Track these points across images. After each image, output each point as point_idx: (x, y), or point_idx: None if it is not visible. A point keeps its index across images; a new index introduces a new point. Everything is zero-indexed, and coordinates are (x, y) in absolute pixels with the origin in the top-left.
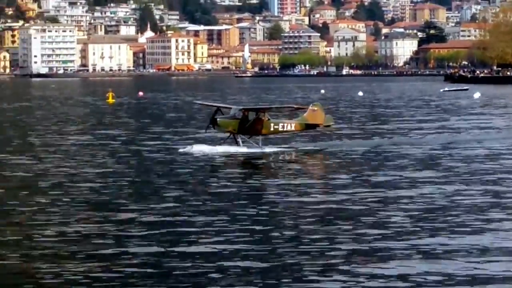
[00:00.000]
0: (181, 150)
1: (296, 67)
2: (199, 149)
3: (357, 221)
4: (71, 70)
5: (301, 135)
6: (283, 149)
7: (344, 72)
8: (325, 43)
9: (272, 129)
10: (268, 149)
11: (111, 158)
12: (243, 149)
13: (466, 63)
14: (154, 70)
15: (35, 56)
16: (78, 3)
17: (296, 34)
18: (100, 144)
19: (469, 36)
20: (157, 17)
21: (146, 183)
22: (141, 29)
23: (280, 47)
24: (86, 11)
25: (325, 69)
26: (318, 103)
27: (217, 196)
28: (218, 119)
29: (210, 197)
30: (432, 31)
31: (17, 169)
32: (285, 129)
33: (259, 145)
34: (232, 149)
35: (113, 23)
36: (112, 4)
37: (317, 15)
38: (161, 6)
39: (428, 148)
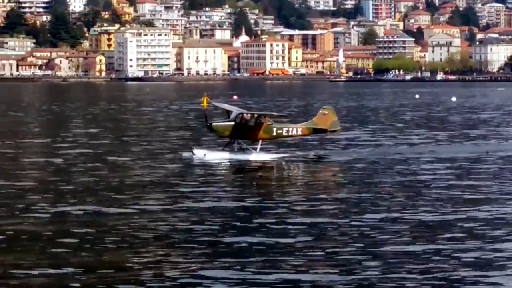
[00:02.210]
0: (185, 154)
1: (390, 72)
2: (200, 154)
3: None
4: (166, 73)
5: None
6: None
7: (439, 77)
8: (420, 48)
9: (274, 133)
10: (269, 156)
11: None
12: (238, 156)
13: None
14: (248, 74)
15: (131, 59)
16: (174, 7)
17: (391, 39)
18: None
19: None
20: (252, 21)
21: None
22: (236, 33)
23: (374, 52)
24: (182, 15)
25: (419, 74)
26: (330, 106)
27: None
28: (213, 124)
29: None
30: None
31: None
32: (290, 134)
33: (256, 151)
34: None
35: (208, 27)
36: (207, 8)
37: (412, 20)
38: (256, 11)
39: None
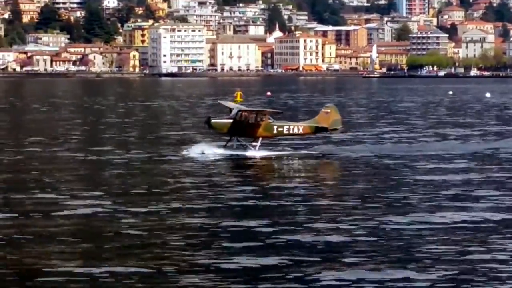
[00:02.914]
0: (184, 152)
1: (424, 68)
2: (198, 149)
3: None
4: (199, 69)
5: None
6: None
7: (472, 73)
8: (453, 44)
9: (275, 131)
10: (265, 153)
11: None
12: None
13: None
14: (282, 70)
15: (164, 55)
16: (207, 3)
17: (424, 35)
18: None
19: None
20: (286, 17)
21: None
22: (269, 29)
23: (408, 48)
24: (215, 11)
25: (452, 70)
26: (332, 104)
27: None
28: (212, 121)
29: None
30: None
31: None
32: (291, 132)
33: (255, 148)
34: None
35: (242, 23)
36: (241, 4)
37: (445, 16)
38: (290, 6)
39: None
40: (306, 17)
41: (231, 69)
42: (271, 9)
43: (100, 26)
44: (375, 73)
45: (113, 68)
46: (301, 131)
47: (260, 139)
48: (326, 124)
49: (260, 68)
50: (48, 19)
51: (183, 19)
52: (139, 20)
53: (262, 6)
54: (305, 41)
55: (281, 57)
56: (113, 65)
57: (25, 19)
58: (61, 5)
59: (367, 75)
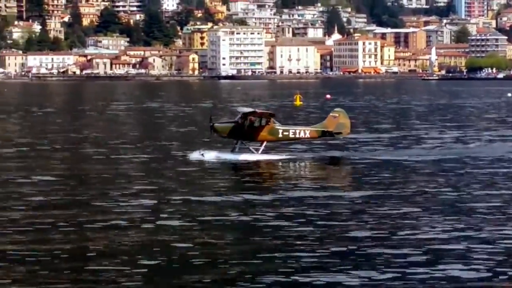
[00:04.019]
0: (192, 156)
1: (483, 70)
2: (211, 155)
3: None
4: (258, 72)
5: None
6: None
7: None
8: None
9: (280, 135)
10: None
11: None
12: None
13: None
14: (341, 73)
15: (224, 58)
16: (266, 6)
17: (483, 37)
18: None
19: None
20: (345, 19)
21: None
22: (328, 32)
23: (467, 50)
24: (274, 14)
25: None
26: (341, 109)
27: None
28: (215, 124)
29: None
30: None
31: None
32: (297, 136)
33: (258, 152)
34: (248, 156)
35: (301, 25)
36: (299, 7)
37: (504, 18)
38: (349, 9)
39: None
40: (365, 20)
41: (290, 71)
42: (330, 12)
43: (160, 29)
44: (434, 75)
45: (172, 71)
46: (307, 135)
47: (265, 143)
48: (331, 128)
49: (319, 70)
50: (108, 22)
51: (242, 22)
52: (198, 23)
53: (321, 9)
54: (364, 43)
55: (340, 60)
56: (173, 68)
57: (85, 22)
58: (120, 8)
59: (426, 78)
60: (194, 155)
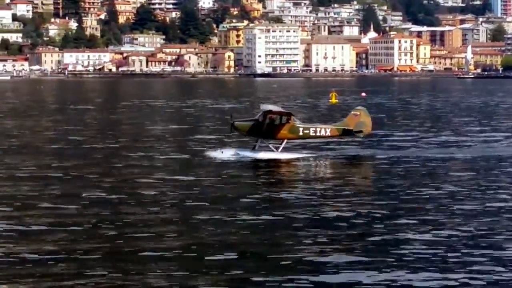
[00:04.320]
0: (213, 154)
1: None
2: (228, 153)
3: None
4: (294, 70)
5: None
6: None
7: None
8: None
9: (301, 133)
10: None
11: None
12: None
13: None
14: (376, 71)
15: (259, 56)
16: (302, 4)
17: None
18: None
19: None
20: (380, 17)
21: None
22: (364, 30)
23: (503, 48)
24: (310, 12)
25: None
26: (362, 107)
27: None
28: (235, 123)
29: None
30: None
31: None
32: (317, 134)
33: (278, 150)
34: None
35: (337, 23)
36: (335, 5)
37: None
38: (385, 7)
39: None
40: (400, 18)
41: (325, 69)
42: (366, 10)
43: (196, 27)
44: (470, 73)
45: (208, 68)
46: (328, 133)
47: (285, 141)
48: (351, 127)
49: (354, 68)
50: (144, 20)
51: (278, 20)
52: (234, 20)
53: (357, 7)
54: (399, 41)
55: (376, 58)
56: (208, 66)
57: (121, 19)
58: (156, 6)
59: (461, 76)
60: (214, 154)
